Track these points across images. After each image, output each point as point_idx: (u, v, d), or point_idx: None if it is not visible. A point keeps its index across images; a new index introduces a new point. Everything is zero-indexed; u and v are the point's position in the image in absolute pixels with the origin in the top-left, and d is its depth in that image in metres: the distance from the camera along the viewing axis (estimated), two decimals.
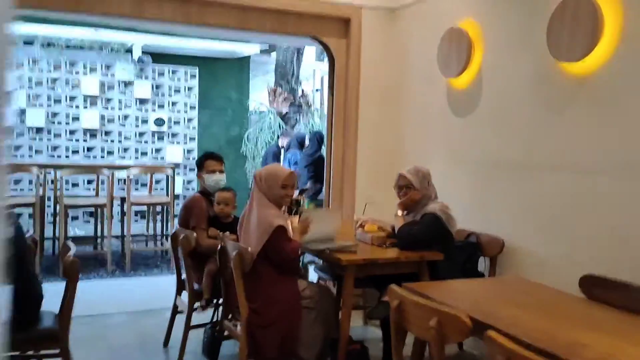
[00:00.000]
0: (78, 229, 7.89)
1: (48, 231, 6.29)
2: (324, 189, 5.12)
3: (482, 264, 3.55)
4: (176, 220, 4.02)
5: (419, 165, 3.47)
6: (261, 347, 2.95)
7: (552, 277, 3.14)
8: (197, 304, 3.42)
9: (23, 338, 2.54)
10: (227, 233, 3.42)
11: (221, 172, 3.75)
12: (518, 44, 3.44)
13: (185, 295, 3.55)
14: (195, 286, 3.50)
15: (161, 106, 8.56)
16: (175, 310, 3.74)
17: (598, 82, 2.92)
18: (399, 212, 3.31)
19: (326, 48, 4.66)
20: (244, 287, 2.97)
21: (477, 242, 3.56)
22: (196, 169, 3.82)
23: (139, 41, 8.32)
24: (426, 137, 4.30)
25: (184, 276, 3.58)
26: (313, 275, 4.21)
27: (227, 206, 3.56)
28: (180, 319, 3.60)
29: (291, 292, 3.04)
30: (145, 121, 8.49)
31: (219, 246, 3.15)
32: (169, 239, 3.75)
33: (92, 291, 5.32)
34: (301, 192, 4.69)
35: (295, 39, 5.34)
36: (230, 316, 3.21)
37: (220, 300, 3.37)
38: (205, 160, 3.75)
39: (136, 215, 8.15)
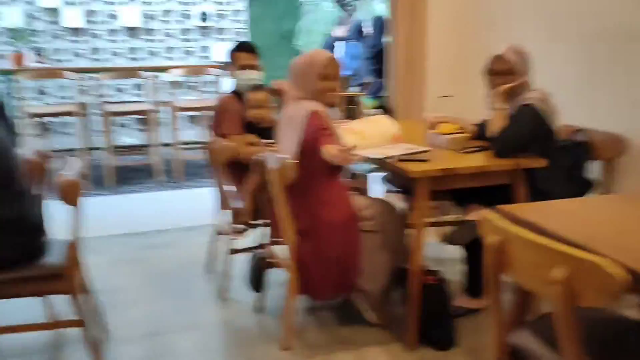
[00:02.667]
0: (129, 137, 7.50)
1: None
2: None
3: (591, 170, 2.77)
4: None
5: (515, 43, 2.65)
6: (314, 282, 2.39)
7: None
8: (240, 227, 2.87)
9: (15, 277, 2.04)
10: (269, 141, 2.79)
11: (255, 67, 3.05)
12: None
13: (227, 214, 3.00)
14: (239, 203, 2.95)
15: None
16: (218, 232, 3.24)
17: None
18: (500, 105, 2.54)
19: None
20: (290, 205, 2.36)
21: (587, 141, 2.76)
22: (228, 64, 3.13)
23: None
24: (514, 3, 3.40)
25: None
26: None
27: (262, 108, 2.89)
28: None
29: (347, 213, 2.41)
30: (187, 16, 7.74)
31: (256, 158, 2.53)
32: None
33: (138, 205, 4.95)
34: (362, 87, 3.95)
35: None
36: (278, 239, 2.63)
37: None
38: (236, 53, 3.04)
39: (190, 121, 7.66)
